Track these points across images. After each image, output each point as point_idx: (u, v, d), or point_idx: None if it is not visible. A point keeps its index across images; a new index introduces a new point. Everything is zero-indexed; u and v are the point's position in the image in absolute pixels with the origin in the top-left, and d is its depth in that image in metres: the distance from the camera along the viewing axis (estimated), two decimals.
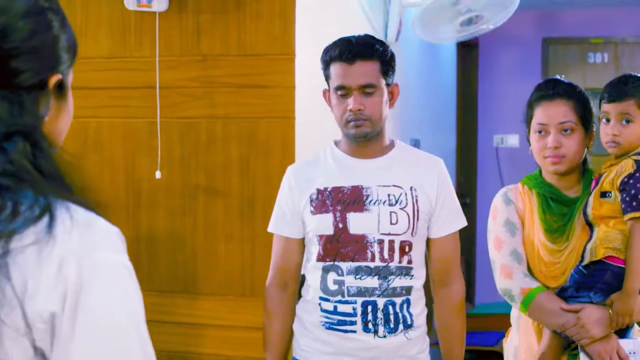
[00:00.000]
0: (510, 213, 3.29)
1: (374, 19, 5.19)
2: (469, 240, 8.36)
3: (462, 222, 3.31)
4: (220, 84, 4.17)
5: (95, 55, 4.34)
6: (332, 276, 3.17)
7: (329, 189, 3.19)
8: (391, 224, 3.13)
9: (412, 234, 3.16)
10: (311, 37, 4.22)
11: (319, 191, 3.21)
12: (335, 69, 3.16)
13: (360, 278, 3.12)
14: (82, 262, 1.31)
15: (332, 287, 3.16)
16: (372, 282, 3.12)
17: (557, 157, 3.20)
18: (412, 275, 3.18)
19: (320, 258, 3.19)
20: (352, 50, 3.12)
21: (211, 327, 4.21)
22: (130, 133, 4.31)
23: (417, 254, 3.20)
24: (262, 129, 4.11)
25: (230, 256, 4.17)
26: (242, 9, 4.12)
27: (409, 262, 3.16)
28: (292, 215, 3.26)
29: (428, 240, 3.27)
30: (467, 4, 4.95)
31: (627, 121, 3.11)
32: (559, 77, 3.33)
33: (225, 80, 4.16)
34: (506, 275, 3.23)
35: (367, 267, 3.13)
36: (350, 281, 3.13)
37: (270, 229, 3.35)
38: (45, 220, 1.31)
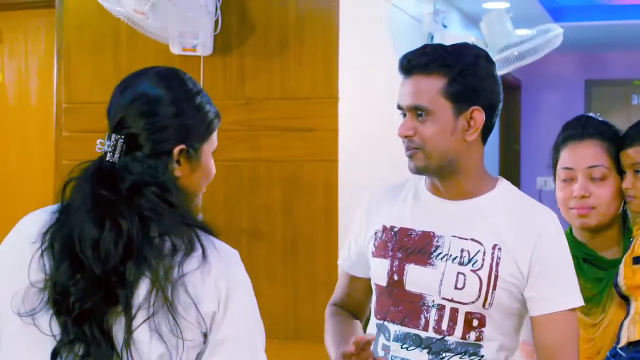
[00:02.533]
0: None
1: None
2: None
3: (574, 300, 2.42)
4: (264, 127, 4.19)
5: None
6: (381, 339, 2.51)
7: (395, 229, 2.51)
8: (456, 288, 2.40)
9: (484, 305, 2.38)
10: (354, 80, 4.23)
11: (384, 229, 2.54)
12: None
13: (407, 348, 2.45)
14: (228, 277, 1.95)
15: (380, 352, 2.50)
16: (420, 356, 2.42)
17: (585, 209, 2.67)
18: (483, 358, 2.41)
19: (375, 313, 2.55)
20: (412, 60, 2.43)
21: None
22: None
23: (496, 331, 2.42)
24: (306, 172, 4.12)
25: (273, 298, 4.17)
26: (286, 53, 4.15)
27: (478, 339, 2.40)
28: (357, 249, 2.66)
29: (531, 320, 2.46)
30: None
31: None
32: (592, 115, 2.85)
33: (269, 123, 4.18)
34: (527, 354, 2.67)
35: (417, 335, 2.43)
36: (395, 350, 2.46)
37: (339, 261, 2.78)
38: (199, 250, 1.93)
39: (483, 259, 2.39)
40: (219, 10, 4.18)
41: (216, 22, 4.18)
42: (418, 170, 2.45)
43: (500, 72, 5.08)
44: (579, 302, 2.40)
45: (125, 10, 4.02)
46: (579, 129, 2.73)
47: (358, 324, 2.72)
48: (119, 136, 1.96)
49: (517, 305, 2.42)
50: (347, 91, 4.13)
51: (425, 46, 2.45)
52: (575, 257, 2.58)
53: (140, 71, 2.10)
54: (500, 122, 8.46)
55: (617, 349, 2.53)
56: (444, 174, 2.45)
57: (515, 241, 2.39)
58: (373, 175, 4.48)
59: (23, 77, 5.26)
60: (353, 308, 2.73)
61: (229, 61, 4.25)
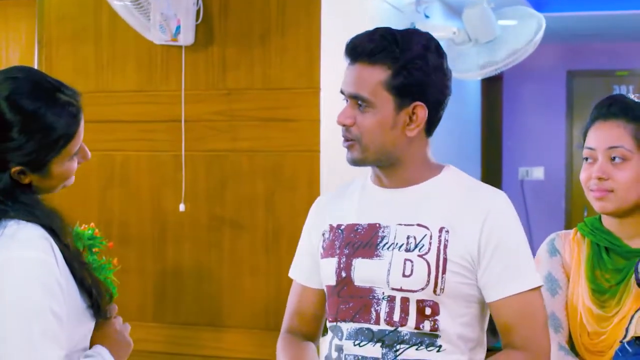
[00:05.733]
0: (554, 266, 2.60)
1: None
2: None
3: (530, 281, 2.29)
4: (246, 118, 4.18)
5: (121, 89, 4.37)
6: (334, 340, 2.37)
7: (342, 227, 2.40)
8: (404, 275, 2.27)
9: (435, 291, 2.26)
10: (336, 70, 4.22)
11: (331, 228, 2.43)
12: None
13: (359, 345, 2.31)
14: None
15: (333, 354, 2.36)
16: (374, 350, 2.29)
17: (602, 191, 2.51)
18: (440, 348, 2.28)
19: (327, 315, 2.43)
20: (358, 46, 2.31)
21: None
22: (156, 166, 4.33)
23: (453, 320, 2.30)
24: (288, 163, 4.12)
25: (255, 289, 4.17)
26: (268, 44, 4.15)
27: (434, 329, 2.27)
28: (309, 258, 2.52)
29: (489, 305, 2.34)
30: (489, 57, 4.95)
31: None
32: (625, 94, 2.65)
33: (251, 113, 4.18)
34: None
35: (369, 330, 2.30)
36: (348, 348, 2.33)
37: (290, 273, 2.64)
38: None
39: (430, 243, 2.27)
40: (200, 0, 4.17)
41: (198, 11, 4.17)
42: (355, 162, 2.35)
43: (484, 76, 5.09)
44: (537, 281, 2.29)
45: (121, 3, 4.01)
46: (604, 108, 2.57)
47: (312, 348, 2.53)
48: None
49: (474, 292, 2.30)
50: (328, 81, 4.12)
51: (374, 31, 2.32)
52: (597, 246, 2.54)
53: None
54: (481, 113, 8.48)
55: (625, 344, 2.43)
56: (384, 166, 2.35)
57: (463, 222, 2.28)
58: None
59: (4, 67, 5.23)
60: (308, 328, 2.55)
61: (210, 51, 4.24)
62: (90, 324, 2.10)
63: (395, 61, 2.26)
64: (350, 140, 2.32)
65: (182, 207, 4.22)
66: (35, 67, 4.57)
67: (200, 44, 4.23)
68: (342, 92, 2.33)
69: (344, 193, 2.49)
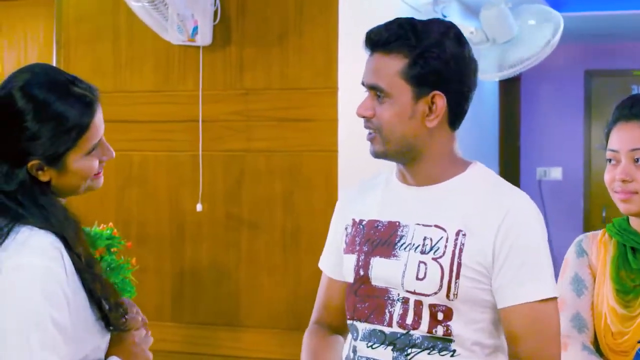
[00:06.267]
0: (581, 267, 2.57)
1: None
2: None
3: (544, 290, 2.17)
4: (263, 118, 4.18)
5: (139, 90, 4.38)
6: (351, 340, 2.34)
7: (364, 222, 2.36)
8: (417, 278, 2.20)
9: (447, 296, 2.19)
10: (354, 70, 4.22)
11: (354, 223, 2.39)
12: None
13: (372, 347, 2.27)
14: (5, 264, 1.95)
15: (350, 354, 2.34)
16: (385, 354, 2.24)
17: (626, 193, 2.47)
18: (454, 353, 2.21)
19: (346, 313, 2.38)
20: (374, 36, 2.25)
21: None
22: (174, 166, 4.34)
23: (466, 326, 2.22)
24: (305, 162, 4.12)
25: (273, 289, 4.17)
26: (285, 43, 4.15)
27: (447, 334, 2.20)
28: (335, 251, 2.47)
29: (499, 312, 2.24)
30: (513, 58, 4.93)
31: None
32: None
33: (268, 113, 4.18)
34: (561, 346, 2.37)
35: (381, 332, 2.25)
36: (361, 349, 2.29)
37: (319, 263, 2.57)
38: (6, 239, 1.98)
39: (445, 246, 2.19)
40: (218, 1, 4.18)
41: (215, 12, 4.18)
42: (377, 155, 2.29)
43: (502, 78, 5.05)
44: (551, 291, 2.17)
45: (139, 3, 4.01)
46: (626, 109, 2.54)
47: (339, 341, 2.49)
48: None
49: (489, 298, 2.20)
50: (346, 81, 4.12)
51: (393, 20, 2.24)
52: (623, 246, 2.51)
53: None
54: (499, 113, 8.46)
55: None
56: (407, 160, 2.28)
57: (481, 224, 2.19)
58: (373, 165, 4.47)
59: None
60: (335, 320, 2.47)
61: (228, 51, 4.24)
62: (104, 336, 2.09)
63: (412, 50, 2.19)
64: (372, 132, 2.26)
65: (199, 207, 4.22)
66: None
67: (218, 44, 4.23)
68: (362, 83, 2.28)
69: (369, 187, 2.44)
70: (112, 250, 3.66)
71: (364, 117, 2.26)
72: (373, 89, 2.23)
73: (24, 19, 5.27)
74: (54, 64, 4.54)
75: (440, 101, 2.21)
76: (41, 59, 5.18)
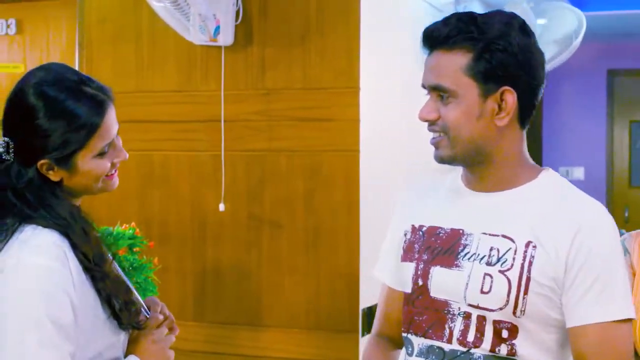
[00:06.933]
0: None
1: None
2: None
3: (618, 311, 2.02)
4: (285, 117, 4.19)
5: (161, 89, 4.39)
6: (405, 356, 2.22)
7: (424, 228, 2.20)
8: (482, 292, 2.05)
9: (514, 312, 2.02)
10: (376, 70, 4.22)
11: (413, 229, 2.23)
12: None
13: None
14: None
15: None
16: None
17: None
18: None
19: (402, 324, 2.24)
20: (433, 32, 2.10)
21: None
22: (196, 166, 4.35)
23: (533, 345, 2.06)
24: (326, 162, 4.12)
25: (294, 289, 4.17)
26: (307, 44, 4.15)
27: (511, 353, 2.04)
28: (393, 258, 2.31)
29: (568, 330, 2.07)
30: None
31: None
32: None
33: (290, 113, 4.18)
34: None
35: (440, 349, 2.10)
36: None
37: (375, 270, 2.42)
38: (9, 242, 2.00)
39: (514, 258, 2.03)
40: (240, 0, 4.18)
41: (237, 12, 4.18)
42: (442, 160, 2.12)
43: None
44: (625, 312, 2.01)
45: (161, 4, 4.02)
46: None
47: (394, 356, 2.35)
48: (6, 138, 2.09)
49: (558, 316, 2.05)
50: (368, 81, 4.12)
51: (451, 16, 2.10)
52: None
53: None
54: None
55: None
56: (474, 164, 2.13)
57: (553, 236, 2.03)
58: (394, 166, 4.47)
59: None
60: (395, 332, 2.30)
61: (250, 51, 4.25)
62: (118, 334, 2.09)
63: (475, 43, 2.04)
64: (437, 136, 2.11)
65: (221, 207, 4.23)
66: (76, 67, 4.60)
67: (240, 44, 4.24)
68: (423, 86, 2.13)
69: (430, 190, 2.29)
70: (134, 249, 3.67)
71: (427, 120, 2.10)
72: (435, 89, 2.09)
73: (46, 19, 5.30)
74: (77, 65, 4.56)
75: (511, 97, 2.07)
76: (63, 60, 5.20)
